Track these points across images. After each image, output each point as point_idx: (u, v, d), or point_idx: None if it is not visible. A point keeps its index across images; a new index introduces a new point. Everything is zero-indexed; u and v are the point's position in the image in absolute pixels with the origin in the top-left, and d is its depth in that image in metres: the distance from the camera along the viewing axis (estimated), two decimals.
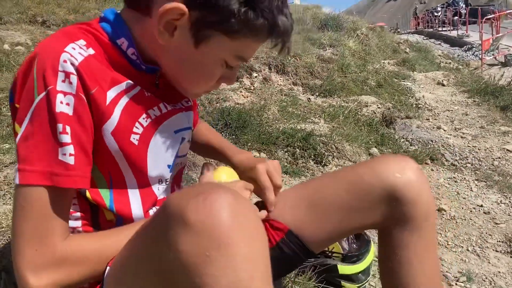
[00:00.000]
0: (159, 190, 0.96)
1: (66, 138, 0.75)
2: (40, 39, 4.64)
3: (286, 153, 3.12)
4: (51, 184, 0.75)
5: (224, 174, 1.10)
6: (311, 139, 3.20)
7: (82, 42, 0.81)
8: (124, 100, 0.84)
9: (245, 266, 0.60)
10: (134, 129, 0.86)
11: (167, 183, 0.99)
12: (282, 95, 4.49)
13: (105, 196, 0.89)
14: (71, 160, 0.76)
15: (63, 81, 0.75)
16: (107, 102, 0.81)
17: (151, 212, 0.95)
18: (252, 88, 4.33)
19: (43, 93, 0.74)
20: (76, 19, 5.73)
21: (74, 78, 0.76)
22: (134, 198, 0.92)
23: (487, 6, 23.62)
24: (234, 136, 3.16)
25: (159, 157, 0.93)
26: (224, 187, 0.66)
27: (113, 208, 0.90)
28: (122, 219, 0.92)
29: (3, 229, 1.70)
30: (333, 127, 3.70)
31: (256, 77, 4.66)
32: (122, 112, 0.84)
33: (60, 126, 0.75)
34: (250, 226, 0.64)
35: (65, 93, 0.75)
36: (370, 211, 1.02)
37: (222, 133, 3.16)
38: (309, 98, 4.71)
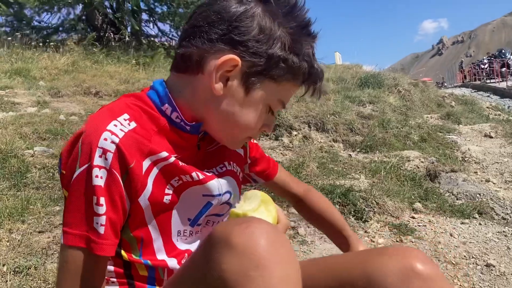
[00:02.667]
0: (178, 242, 1.01)
1: (100, 209, 0.84)
2: (93, 109, 5.00)
3: None
4: (86, 247, 0.84)
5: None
6: (350, 194, 3.18)
7: (125, 116, 0.89)
8: (156, 170, 0.91)
9: (280, 286, 0.67)
10: (166, 191, 0.94)
11: (191, 234, 1.03)
12: (322, 152, 4.52)
13: (137, 256, 0.96)
14: (101, 230, 0.84)
15: (100, 156, 0.83)
16: (143, 172, 0.89)
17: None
18: (291, 146, 4.40)
19: (84, 166, 0.84)
20: (126, 89, 6.15)
21: (109, 155, 0.83)
22: (161, 255, 0.98)
23: None
24: (272, 194, 3.20)
25: (182, 211, 0.99)
26: (264, 220, 0.76)
27: (148, 262, 0.97)
28: (154, 273, 0.98)
29: (49, 286, 1.79)
30: (373, 182, 3.66)
31: (296, 135, 4.74)
32: (154, 181, 0.91)
33: (95, 198, 0.84)
34: (285, 252, 0.71)
35: (100, 167, 0.83)
36: None
37: (261, 191, 3.21)
38: (350, 154, 4.71)
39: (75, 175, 0.84)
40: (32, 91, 5.74)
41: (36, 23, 10.35)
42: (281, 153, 4.10)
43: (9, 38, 8.54)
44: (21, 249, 1.98)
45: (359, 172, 4.02)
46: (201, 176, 0.98)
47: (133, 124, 0.89)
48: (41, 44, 8.86)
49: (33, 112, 4.75)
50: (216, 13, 0.87)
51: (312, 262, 1.15)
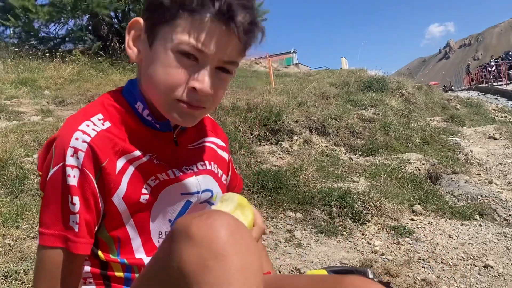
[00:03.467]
0: (159, 243, 0.99)
1: (74, 208, 0.85)
2: None
3: (323, 212, 3.09)
4: (64, 247, 0.85)
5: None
6: (348, 197, 3.17)
7: (99, 116, 0.90)
8: (131, 169, 0.91)
9: (238, 276, 0.67)
10: (143, 190, 0.94)
11: None
12: (323, 155, 4.50)
13: (114, 255, 0.96)
14: (77, 228, 0.86)
15: (72, 155, 0.85)
16: (116, 171, 0.89)
17: None
18: (290, 150, 4.39)
19: (57, 166, 0.85)
20: None
21: (81, 154, 0.84)
22: (139, 254, 0.98)
23: None
24: (269, 197, 3.19)
25: (161, 211, 0.99)
26: (225, 212, 0.76)
27: (124, 261, 0.96)
28: (131, 273, 0.97)
29: None
30: (372, 185, 3.63)
31: (296, 140, 4.73)
32: (129, 180, 0.91)
33: (70, 197, 0.85)
34: (245, 243, 0.71)
35: (72, 167, 0.85)
36: None
37: (258, 194, 3.21)
38: (351, 158, 4.68)
39: (49, 176, 0.85)
40: (37, 100, 5.79)
41: (43, 34, 10.48)
42: (280, 157, 4.09)
43: (17, 49, 8.64)
44: (13, 254, 1.99)
45: (359, 175, 4.00)
46: (177, 174, 0.98)
47: (107, 124, 0.90)
48: (47, 54, 8.95)
49: (36, 121, 4.79)
50: None
51: (278, 278, 1.13)
